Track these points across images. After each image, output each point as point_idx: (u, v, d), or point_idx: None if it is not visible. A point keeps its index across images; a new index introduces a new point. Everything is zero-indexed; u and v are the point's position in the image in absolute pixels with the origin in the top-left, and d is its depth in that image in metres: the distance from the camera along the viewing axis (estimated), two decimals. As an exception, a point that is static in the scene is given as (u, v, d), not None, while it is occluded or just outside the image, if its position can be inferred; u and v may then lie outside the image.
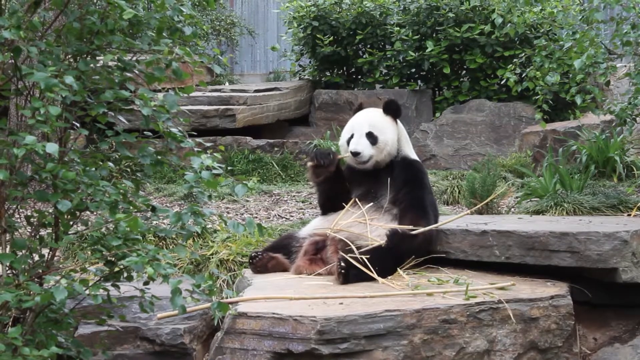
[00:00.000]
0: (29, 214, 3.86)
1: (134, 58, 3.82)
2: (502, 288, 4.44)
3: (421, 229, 4.79)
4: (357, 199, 5.07)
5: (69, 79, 3.29)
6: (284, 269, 5.04)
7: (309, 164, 5.21)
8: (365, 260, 4.61)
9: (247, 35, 14.89)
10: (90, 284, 3.50)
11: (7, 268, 3.57)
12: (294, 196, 8.06)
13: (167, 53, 3.62)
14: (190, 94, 4.49)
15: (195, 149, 3.64)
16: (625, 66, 7.82)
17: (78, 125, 3.77)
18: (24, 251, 3.56)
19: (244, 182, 3.57)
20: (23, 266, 3.51)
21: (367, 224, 4.88)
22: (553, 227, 4.84)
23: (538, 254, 4.70)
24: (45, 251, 3.77)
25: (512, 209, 7.11)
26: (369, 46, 11.20)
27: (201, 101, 9.96)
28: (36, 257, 3.71)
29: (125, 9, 3.42)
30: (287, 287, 4.55)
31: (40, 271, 3.62)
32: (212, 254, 5.73)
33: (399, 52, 10.79)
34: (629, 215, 6.16)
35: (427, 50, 10.56)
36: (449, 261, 4.93)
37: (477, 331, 4.15)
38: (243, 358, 4.03)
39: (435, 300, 4.21)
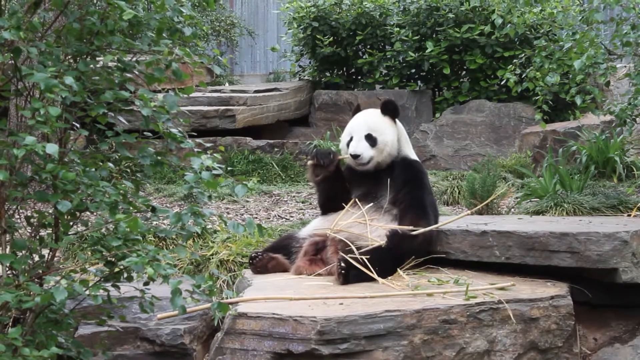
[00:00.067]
0: (29, 214, 3.86)
1: (134, 59, 3.82)
2: (502, 288, 4.44)
3: (421, 230, 4.79)
4: (357, 199, 5.07)
5: (69, 80, 3.29)
6: (284, 270, 5.04)
7: (309, 162, 5.21)
8: (365, 260, 4.62)
9: (247, 36, 14.90)
10: (90, 285, 3.49)
11: (7, 268, 3.57)
12: (294, 197, 8.05)
13: (167, 54, 3.61)
14: (190, 95, 4.50)
15: (195, 150, 3.64)
16: (625, 67, 7.81)
17: (78, 125, 3.77)
18: (24, 252, 3.56)
19: (244, 182, 3.57)
20: (23, 267, 3.51)
21: (367, 225, 4.88)
22: (553, 228, 4.84)
23: (538, 255, 4.70)
24: (45, 252, 3.77)
25: (512, 210, 7.11)
26: (368, 47, 11.19)
27: (201, 102, 9.95)
28: (36, 258, 3.71)
29: (125, 10, 3.42)
30: (287, 288, 4.55)
31: (41, 272, 3.62)
32: (212, 255, 5.72)
33: (398, 53, 10.78)
34: (629, 215, 6.16)
35: (427, 51, 10.55)
36: (449, 261, 4.93)
37: (477, 331, 4.15)
38: (243, 358, 4.03)
39: (435, 301, 4.21)
